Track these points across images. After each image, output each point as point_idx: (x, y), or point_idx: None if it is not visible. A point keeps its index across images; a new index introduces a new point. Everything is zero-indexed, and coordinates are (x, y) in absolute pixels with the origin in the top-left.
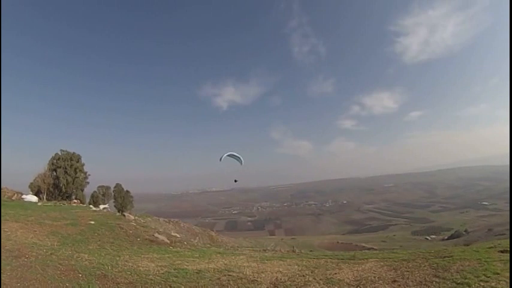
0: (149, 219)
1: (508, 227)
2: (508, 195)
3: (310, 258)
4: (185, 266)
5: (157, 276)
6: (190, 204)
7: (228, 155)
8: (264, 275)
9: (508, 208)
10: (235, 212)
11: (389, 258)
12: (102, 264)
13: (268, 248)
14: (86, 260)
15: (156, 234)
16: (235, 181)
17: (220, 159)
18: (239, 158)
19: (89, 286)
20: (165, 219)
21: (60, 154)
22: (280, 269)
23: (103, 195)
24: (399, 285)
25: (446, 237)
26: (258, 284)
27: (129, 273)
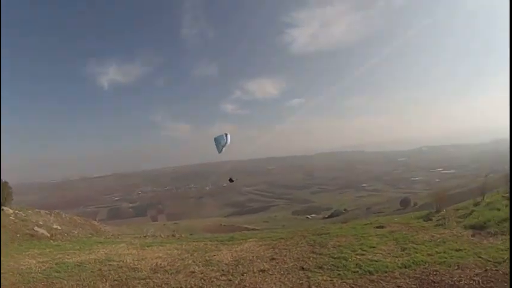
0: (30, 212)
1: (386, 205)
2: (386, 177)
3: (190, 241)
4: (66, 260)
5: (39, 273)
6: (71, 193)
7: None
8: (144, 262)
9: (387, 189)
10: (117, 198)
11: (268, 237)
12: None
13: (149, 234)
14: None
15: (36, 228)
16: (231, 180)
17: (220, 151)
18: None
19: None
20: (47, 211)
21: None
22: (160, 255)
23: None
24: (277, 262)
25: (326, 216)
26: (138, 272)
27: (11, 273)
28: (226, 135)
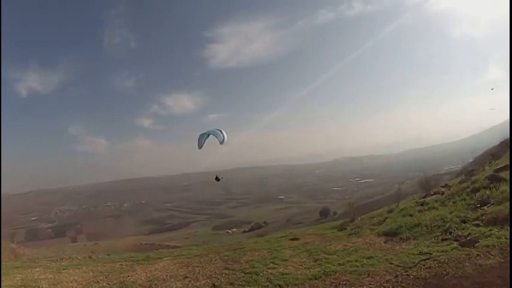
0: None
1: (305, 216)
2: (303, 189)
3: (106, 262)
4: None
5: None
6: None
7: (207, 135)
8: (59, 286)
9: (306, 200)
10: (34, 218)
11: (183, 255)
12: None
13: (65, 256)
14: None
15: None
16: (218, 179)
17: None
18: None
19: None
20: None
21: None
22: (76, 278)
23: None
24: (190, 280)
25: (247, 230)
26: None
27: None
28: (221, 131)
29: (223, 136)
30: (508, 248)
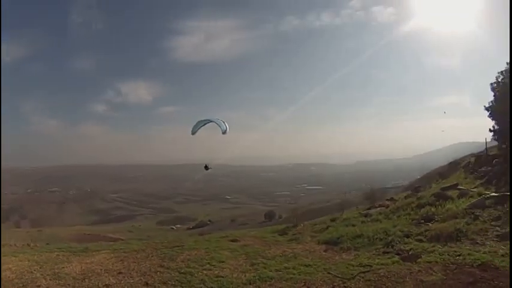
0: None
1: (251, 217)
2: (250, 191)
3: (44, 252)
4: None
5: None
6: None
7: (204, 123)
8: None
9: (252, 201)
10: None
11: (121, 249)
12: None
13: (3, 243)
14: None
15: None
16: (207, 168)
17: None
18: (220, 124)
19: None
20: None
21: None
22: (10, 266)
23: None
24: (124, 276)
25: (191, 227)
26: None
27: None
28: (223, 121)
29: (226, 126)
30: (451, 266)
